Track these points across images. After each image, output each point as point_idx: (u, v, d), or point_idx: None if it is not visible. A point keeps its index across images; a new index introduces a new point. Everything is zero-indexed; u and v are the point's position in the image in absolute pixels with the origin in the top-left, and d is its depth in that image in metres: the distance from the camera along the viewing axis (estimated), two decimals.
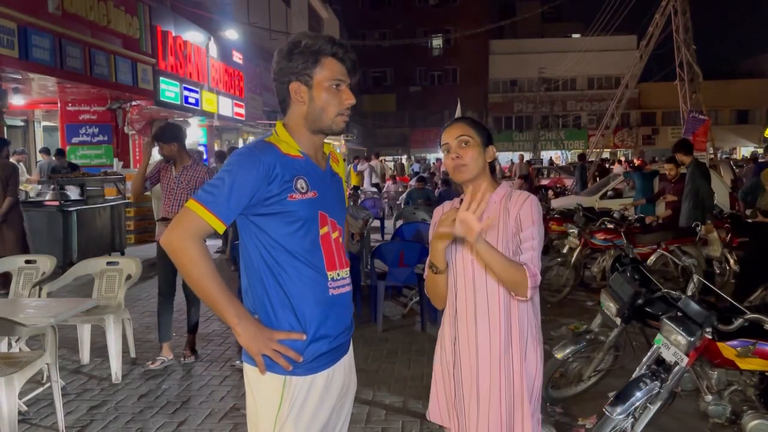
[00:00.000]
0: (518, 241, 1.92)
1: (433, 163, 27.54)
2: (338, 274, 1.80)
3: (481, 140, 2.01)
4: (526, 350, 1.99)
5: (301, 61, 1.73)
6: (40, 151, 12.37)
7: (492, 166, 2.09)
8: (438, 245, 1.90)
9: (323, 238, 1.76)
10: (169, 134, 4.66)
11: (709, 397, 3.06)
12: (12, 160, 8.79)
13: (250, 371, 1.77)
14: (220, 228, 1.65)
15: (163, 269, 4.82)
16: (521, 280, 1.84)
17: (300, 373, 1.72)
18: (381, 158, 21.53)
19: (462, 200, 2.04)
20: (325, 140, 1.91)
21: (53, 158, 11.14)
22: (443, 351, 2.10)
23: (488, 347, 1.97)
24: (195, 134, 17.32)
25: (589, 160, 18.87)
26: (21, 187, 9.04)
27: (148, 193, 5.64)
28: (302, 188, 1.71)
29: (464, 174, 1.99)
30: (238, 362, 4.61)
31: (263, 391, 1.74)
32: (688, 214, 6.98)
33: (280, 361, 1.68)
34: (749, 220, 7.13)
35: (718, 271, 7.04)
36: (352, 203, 9.00)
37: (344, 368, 1.87)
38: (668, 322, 2.92)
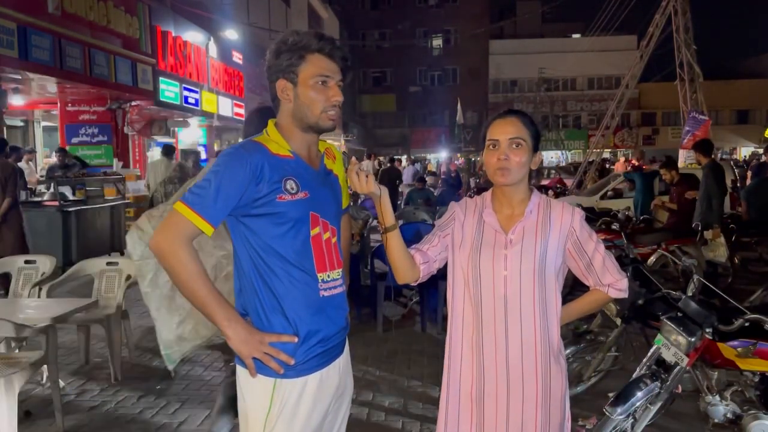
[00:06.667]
0: (587, 260, 1.90)
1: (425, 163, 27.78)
2: (329, 276, 1.77)
3: (531, 144, 1.86)
4: (562, 373, 1.89)
5: (287, 58, 1.71)
6: (55, 152, 12.31)
7: (532, 171, 1.93)
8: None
9: (314, 239, 1.74)
10: None
11: (709, 398, 3.05)
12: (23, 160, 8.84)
13: (241, 373, 1.76)
14: (209, 230, 1.63)
15: None
16: (606, 300, 1.97)
17: (291, 376, 1.70)
18: (378, 158, 21.49)
19: (473, 196, 2.04)
20: (325, 139, 1.90)
21: (57, 159, 11.12)
22: (460, 375, 1.92)
23: (521, 372, 1.84)
24: (195, 134, 17.33)
25: (590, 160, 18.84)
26: (30, 186, 9.07)
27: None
28: (292, 189, 1.68)
29: (507, 178, 1.83)
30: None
31: (253, 393, 1.73)
32: (701, 216, 6.71)
33: (271, 365, 1.67)
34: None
35: (721, 270, 7.00)
36: (352, 203, 8.95)
37: (339, 369, 1.84)
38: (668, 323, 2.91)
